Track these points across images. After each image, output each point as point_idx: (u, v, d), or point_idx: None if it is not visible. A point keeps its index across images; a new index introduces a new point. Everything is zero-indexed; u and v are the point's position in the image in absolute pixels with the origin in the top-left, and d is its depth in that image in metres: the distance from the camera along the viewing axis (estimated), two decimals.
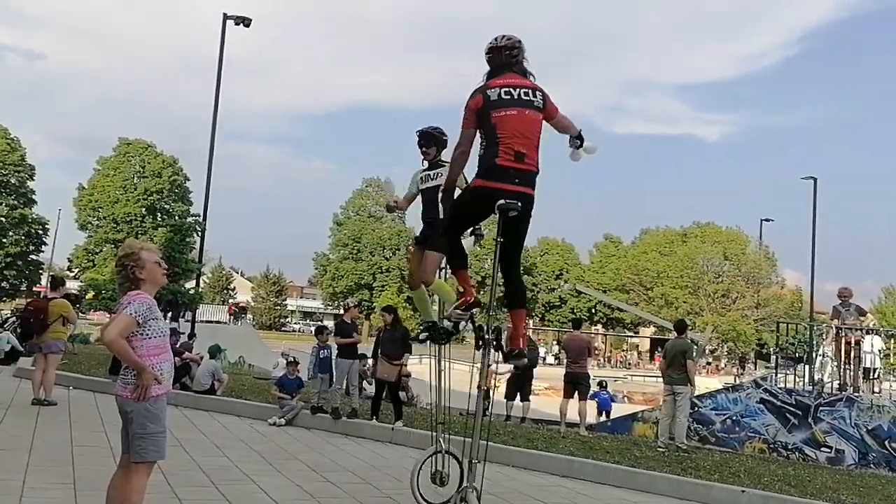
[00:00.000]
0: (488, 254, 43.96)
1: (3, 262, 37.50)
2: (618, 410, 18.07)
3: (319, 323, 24.35)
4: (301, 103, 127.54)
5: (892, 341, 15.41)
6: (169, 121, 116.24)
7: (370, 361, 11.99)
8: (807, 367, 13.76)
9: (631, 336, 67.14)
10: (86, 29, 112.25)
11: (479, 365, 4.67)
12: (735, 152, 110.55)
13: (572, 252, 71.43)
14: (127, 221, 36.85)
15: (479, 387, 4.82)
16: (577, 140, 4.92)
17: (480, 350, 4.62)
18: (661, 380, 12.05)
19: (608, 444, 9.87)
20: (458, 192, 4.89)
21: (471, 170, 4.70)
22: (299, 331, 72.46)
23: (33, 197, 40.13)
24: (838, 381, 12.92)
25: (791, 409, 12.21)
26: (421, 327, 5.52)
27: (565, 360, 13.24)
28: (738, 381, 26.46)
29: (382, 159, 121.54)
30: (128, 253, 4.08)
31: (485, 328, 4.64)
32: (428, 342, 5.32)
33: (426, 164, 5.69)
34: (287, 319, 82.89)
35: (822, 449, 11.80)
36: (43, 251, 41.93)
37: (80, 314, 23.71)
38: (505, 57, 4.64)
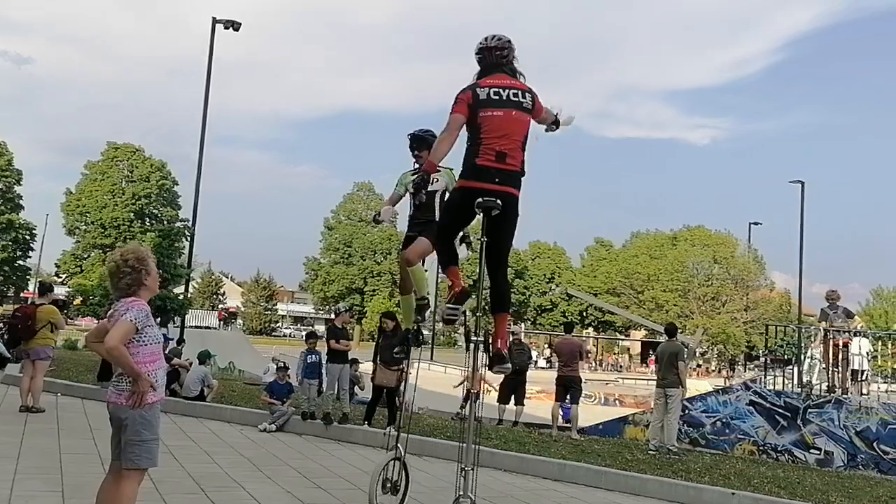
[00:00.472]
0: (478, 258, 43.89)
1: None
2: (609, 414, 18.12)
3: (310, 328, 24.25)
4: (290, 108, 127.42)
5: (880, 343, 15.55)
6: (157, 125, 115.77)
7: (361, 366, 11.94)
8: (795, 369, 13.85)
9: (622, 339, 67.35)
10: (74, 33, 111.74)
11: (466, 369, 4.67)
12: (724, 156, 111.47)
13: (563, 256, 71.83)
14: (115, 226, 36.68)
15: (472, 391, 4.82)
16: (554, 126, 4.96)
17: (469, 353, 4.61)
18: (652, 383, 12.10)
19: (600, 447, 9.90)
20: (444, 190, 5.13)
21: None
22: (290, 335, 72.26)
23: (20, 202, 39.92)
24: (827, 384, 13.00)
25: (780, 411, 12.29)
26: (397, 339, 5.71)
27: (557, 364, 13.26)
28: (727, 384, 26.56)
29: (371, 164, 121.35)
30: (140, 257, 4.02)
31: (472, 331, 4.63)
32: (404, 348, 5.59)
33: (416, 166, 5.65)
34: (278, 324, 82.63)
35: (812, 451, 11.87)
36: (30, 257, 41.75)
37: (68, 320, 23.50)
38: (495, 57, 4.64)
